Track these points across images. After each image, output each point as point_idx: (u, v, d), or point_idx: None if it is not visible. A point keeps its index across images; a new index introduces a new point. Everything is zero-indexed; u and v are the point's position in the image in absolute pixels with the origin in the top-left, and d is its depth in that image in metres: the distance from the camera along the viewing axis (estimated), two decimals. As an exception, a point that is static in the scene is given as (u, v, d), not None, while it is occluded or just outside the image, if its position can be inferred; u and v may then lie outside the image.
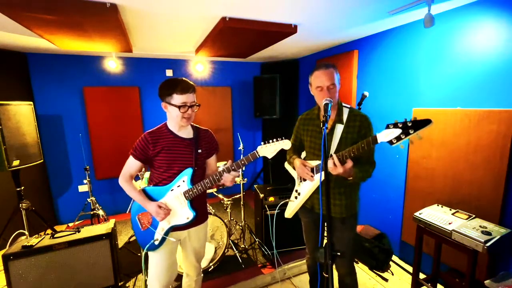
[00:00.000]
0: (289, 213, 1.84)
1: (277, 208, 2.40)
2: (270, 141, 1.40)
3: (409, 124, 1.18)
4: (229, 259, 2.65)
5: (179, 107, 1.43)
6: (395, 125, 1.23)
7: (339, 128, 1.54)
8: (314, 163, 1.59)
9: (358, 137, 1.50)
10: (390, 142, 1.24)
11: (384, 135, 1.26)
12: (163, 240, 1.53)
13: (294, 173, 1.82)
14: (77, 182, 3.73)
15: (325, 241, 1.16)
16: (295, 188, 1.78)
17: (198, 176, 1.57)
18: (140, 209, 1.58)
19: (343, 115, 1.56)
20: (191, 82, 1.49)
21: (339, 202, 1.59)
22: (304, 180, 1.69)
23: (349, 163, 1.35)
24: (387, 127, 1.25)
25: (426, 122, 1.16)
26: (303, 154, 1.81)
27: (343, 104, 1.61)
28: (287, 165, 1.89)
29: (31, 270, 1.92)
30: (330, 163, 1.37)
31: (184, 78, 1.49)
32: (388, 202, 2.74)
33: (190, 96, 1.45)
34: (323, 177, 1.24)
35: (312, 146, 1.66)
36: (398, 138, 1.21)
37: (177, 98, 1.43)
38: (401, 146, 1.27)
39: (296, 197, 1.75)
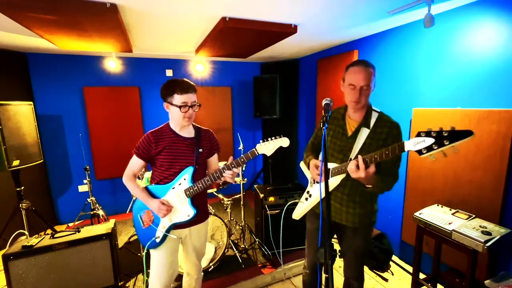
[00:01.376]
0: (297, 214, 1.77)
1: (284, 209, 2.39)
2: (269, 138, 1.42)
3: (445, 134, 1.02)
4: (229, 259, 2.65)
5: (180, 107, 1.47)
6: (428, 134, 1.07)
7: (364, 132, 1.43)
8: (331, 165, 1.49)
9: (384, 145, 1.35)
10: (419, 152, 1.09)
11: (412, 144, 1.11)
12: (164, 237, 1.55)
13: (308, 174, 1.74)
14: (77, 182, 3.72)
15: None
16: (307, 189, 1.73)
17: (199, 174, 1.59)
18: (142, 207, 1.60)
19: (371, 119, 1.44)
20: (192, 82, 1.52)
21: (352, 211, 1.50)
22: (317, 182, 1.63)
23: (372, 168, 1.23)
24: (418, 134, 1.10)
25: (466, 134, 0.98)
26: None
27: (374, 108, 1.48)
28: (302, 165, 1.82)
29: (31, 270, 1.92)
30: (352, 164, 1.26)
31: (184, 79, 1.52)
32: (388, 202, 2.74)
33: (190, 96, 1.48)
34: (323, 183, 1.15)
35: (331, 147, 1.54)
36: (429, 149, 1.06)
37: (177, 98, 1.47)
38: (431, 158, 1.08)
39: (306, 199, 1.69)
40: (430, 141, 1.06)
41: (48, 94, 3.44)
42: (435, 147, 1.05)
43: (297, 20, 2.31)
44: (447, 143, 1.02)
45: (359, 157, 1.25)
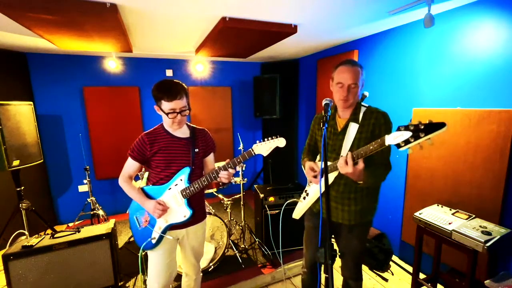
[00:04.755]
0: (296, 213, 1.80)
1: (282, 209, 2.38)
2: (266, 139, 1.44)
3: (421, 127, 1.06)
4: (229, 259, 2.65)
5: (167, 113, 1.44)
6: (406, 127, 1.11)
7: (353, 127, 1.45)
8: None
9: (372, 137, 1.37)
10: (398, 146, 1.13)
11: (392, 138, 1.15)
12: (160, 238, 1.54)
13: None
14: (77, 182, 3.72)
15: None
16: (305, 189, 1.75)
17: (195, 175, 1.58)
18: (138, 208, 1.60)
19: (359, 114, 1.46)
20: (183, 86, 1.47)
21: (348, 208, 1.50)
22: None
23: (360, 165, 1.25)
24: (398, 129, 1.14)
25: (440, 126, 1.02)
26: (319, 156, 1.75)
27: (362, 104, 1.51)
28: (303, 167, 1.86)
29: (31, 270, 1.92)
30: (342, 159, 1.28)
31: (175, 82, 1.46)
32: (388, 202, 2.74)
33: (178, 102, 1.43)
34: (323, 181, 1.17)
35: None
36: (406, 142, 1.10)
37: (165, 105, 1.43)
38: (409, 151, 1.13)
39: (304, 198, 1.72)
40: (407, 134, 1.10)
41: (48, 94, 3.44)
42: (412, 140, 1.09)
43: (297, 20, 2.30)
44: (422, 135, 1.06)
45: (349, 153, 1.28)
